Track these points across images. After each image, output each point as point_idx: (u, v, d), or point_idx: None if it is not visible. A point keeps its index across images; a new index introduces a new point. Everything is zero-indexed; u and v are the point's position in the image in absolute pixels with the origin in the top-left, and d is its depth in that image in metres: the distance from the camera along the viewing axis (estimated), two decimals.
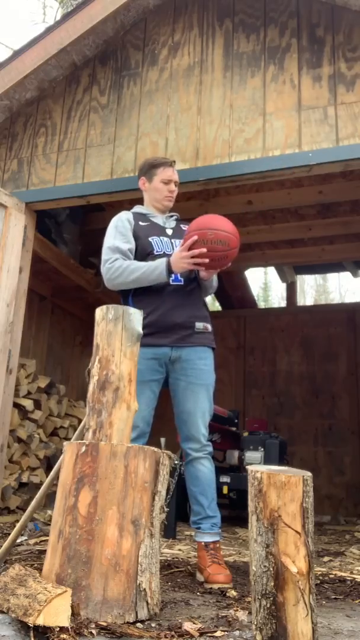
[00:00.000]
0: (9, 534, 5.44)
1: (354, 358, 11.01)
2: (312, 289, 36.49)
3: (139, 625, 2.65)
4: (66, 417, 8.26)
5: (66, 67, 6.18)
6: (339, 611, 3.21)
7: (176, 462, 6.05)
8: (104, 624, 2.56)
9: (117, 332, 3.25)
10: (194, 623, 2.69)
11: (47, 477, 7.35)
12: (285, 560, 2.31)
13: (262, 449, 7.26)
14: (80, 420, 8.43)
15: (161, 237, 4.30)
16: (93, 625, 2.53)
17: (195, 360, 4.17)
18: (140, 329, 3.35)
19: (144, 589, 2.78)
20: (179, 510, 6.37)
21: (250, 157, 5.21)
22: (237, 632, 2.60)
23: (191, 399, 4.20)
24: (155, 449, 3.05)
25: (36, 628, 2.31)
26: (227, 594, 3.44)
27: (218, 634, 2.56)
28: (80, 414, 8.46)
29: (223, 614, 2.92)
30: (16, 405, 6.83)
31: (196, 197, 7.80)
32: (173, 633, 2.52)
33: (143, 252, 4.24)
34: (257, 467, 2.50)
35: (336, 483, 10.30)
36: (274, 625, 2.29)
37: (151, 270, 4.05)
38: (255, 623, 2.36)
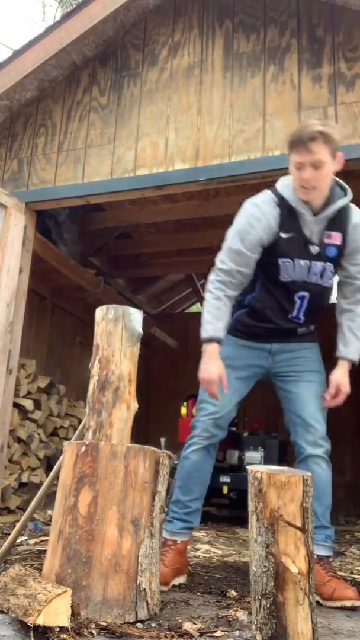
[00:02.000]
0: (9, 534, 5.45)
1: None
2: None
3: (139, 625, 2.65)
4: (66, 417, 8.26)
5: (66, 67, 6.18)
6: (339, 611, 3.22)
7: (176, 462, 6.05)
8: (104, 623, 2.56)
9: (117, 332, 3.25)
10: (194, 623, 2.69)
11: (47, 477, 7.36)
12: (285, 560, 2.31)
13: (262, 449, 7.26)
14: (80, 420, 8.43)
15: (297, 260, 3.62)
16: (93, 625, 2.53)
17: (299, 349, 3.88)
18: (140, 329, 3.34)
19: (144, 589, 2.78)
20: None
21: (250, 157, 5.21)
22: (237, 632, 2.60)
23: (304, 385, 3.82)
24: (155, 449, 3.05)
25: (36, 628, 2.31)
26: (227, 594, 3.45)
27: (218, 634, 2.56)
28: (80, 414, 8.46)
29: (223, 614, 2.92)
30: (16, 405, 6.82)
31: (196, 197, 7.79)
32: (173, 633, 2.52)
33: (265, 275, 3.74)
34: (257, 467, 2.50)
35: (336, 483, 10.27)
36: (274, 625, 2.29)
37: (203, 329, 3.60)
38: (255, 623, 2.37)
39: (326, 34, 5.22)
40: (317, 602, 3.34)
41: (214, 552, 5.17)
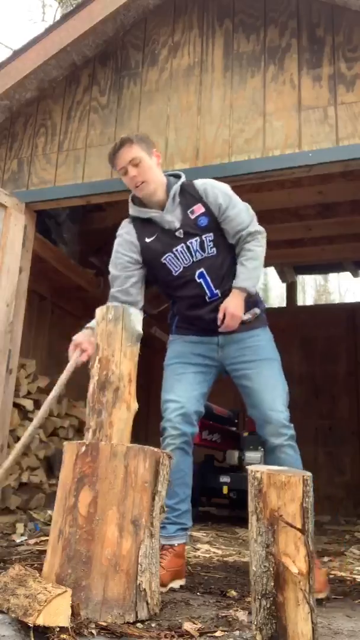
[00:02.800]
0: (9, 534, 5.45)
1: (354, 358, 11.03)
2: (312, 289, 36.50)
3: (139, 625, 2.65)
4: (66, 417, 8.25)
5: (66, 67, 6.18)
6: (339, 611, 3.22)
7: None
8: (104, 624, 2.56)
9: (117, 332, 3.24)
10: (194, 623, 2.69)
11: (46, 477, 7.37)
12: (285, 560, 2.31)
13: (262, 449, 7.25)
14: (80, 420, 8.43)
15: (174, 249, 3.89)
16: (93, 625, 2.53)
17: (247, 339, 3.94)
18: (140, 329, 3.35)
19: (144, 589, 2.78)
20: None
21: (250, 157, 5.21)
22: (237, 632, 2.60)
23: (255, 377, 3.87)
24: (156, 449, 3.05)
25: (36, 628, 2.31)
26: (227, 594, 3.45)
27: (218, 634, 2.56)
28: (80, 414, 8.46)
29: (223, 614, 2.92)
30: (16, 405, 6.82)
31: None
32: (173, 633, 2.52)
33: (163, 279, 4.02)
34: (257, 467, 2.50)
35: (336, 483, 10.31)
36: (274, 625, 2.29)
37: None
38: (255, 623, 2.37)
39: (326, 34, 5.23)
40: (318, 600, 3.37)
41: (214, 552, 5.18)
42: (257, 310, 3.98)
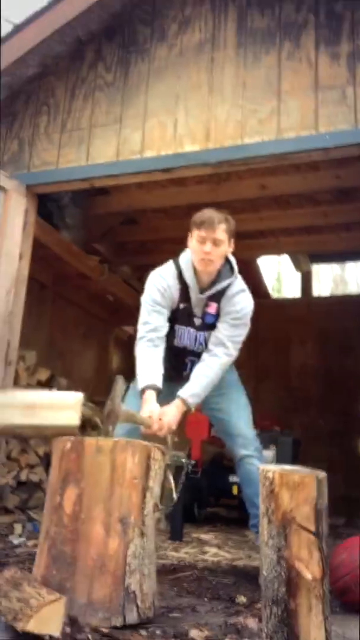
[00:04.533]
0: (7, 535, 5.46)
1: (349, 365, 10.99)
2: (328, 279, 36.39)
3: (142, 632, 2.66)
4: None
5: (70, 43, 6.15)
6: (353, 619, 3.22)
7: (183, 460, 6.05)
8: (105, 630, 2.57)
9: None
10: (201, 630, 2.69)
11: (47, 475, 7.37)
12: (298, 564, 2.31)
13: (274, 447, 7.25)
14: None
15: (188, 329, 4.35)
16: (89, 630, 2.53)
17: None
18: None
19: (133, 591, 2.78)
20: (186, 512, 6.37)
21: (264, 139, 5.18)
22: None
23: (225, 408, 4.46)
24: (146, 443, 3.06)
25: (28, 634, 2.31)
26: (236, 600, 3.45)
27: None
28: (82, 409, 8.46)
29: (232, 621, 2.92)
30: None
31: (206, 181, 7.77)
32: None
33: (170, 340, 4.33)
34: (269, 467, 2.50)
35: (352, 484, 10.29)
36: (285, 633, 2.29)
37: (139, 379, 4.14)
38: (265, 631, 2.37)
39: (345, 10, 5.18)
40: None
41: (223, 556, 5.18)
42: None
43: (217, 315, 4.28)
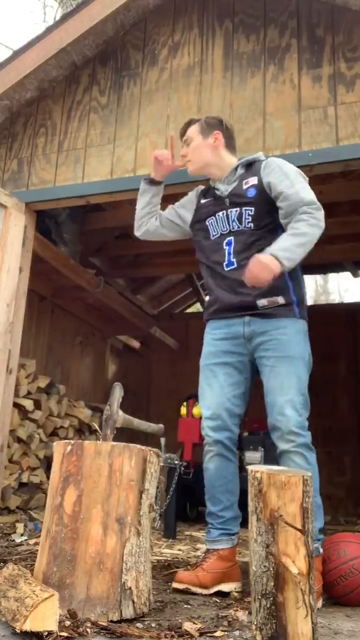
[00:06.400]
0: (9, 534, 5.46)
1: (354, 358, 11.02)
2: (311, 289, 36.56)
3: (138, 625, 2.66)
4: (66, 417, 8.26)
5: (66, 67, 6.17)
6: (338, 611, 3.22)
7: (176, 462, 6.06)
8: (104, 623, 2.56)
9: None
10: (194, 623, 2.69)
11: (47, 477, 7.36)
12: (285, 560, 2.31)
13: (262, 449, 7.26)
14: (80, 420, 8.44)
15: (217, 214, 4.02)
16: (92, 625, 2.53)
17: (271, 330, 3.75)
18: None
19: (129, 588, 2.79)
20: (179, 511, 6.37)
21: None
22: (237, 632, 2.60)
23: (270, 376, 3.74)
24: (143, 447, 3.07)
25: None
26: (227, 594, 3.45)
27: (218, 634, 2.57)
28: (80, 414, 8.47)
29: (223, 614, 2.93)
30: (16, 405, 6.83)
31: None
32: (173, 633, 2.53)
33: (201, 241, 4.13)
34: (257, 467, 2.50)
35: (336, 483, 10.30)
36: (274, 625, 2.29)
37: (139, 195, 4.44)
38: (255, 623, 2.37)
39: (326, 34, 5.22)
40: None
41: None
42: (279, 300, 3.74)
43: (258, 187, 3.88)
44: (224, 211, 3.97)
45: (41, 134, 6.24)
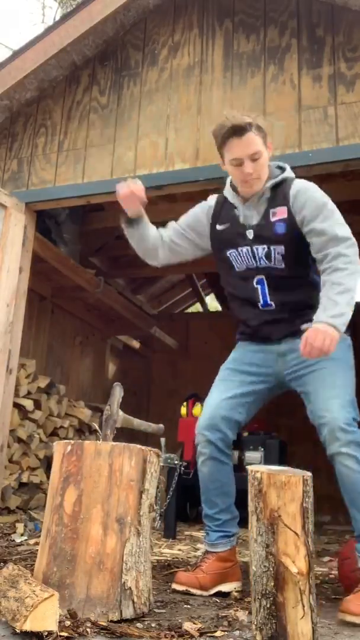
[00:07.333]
0: (9, 534, 5.46)
1: (355, 358, 11.00)
2: None
3: (138, 625, 2.65)
4: (66, 417, 8.25)
5: (66, 67, 6.17)
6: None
7: (176, 462, 6.05)
8: (104, 623, 2.56)
9: None
10: (194, 623, 2.69)
11: (47, 477, 7.36)
12: (285, 560, 2.31)
13: (262, 449, 7.26)
14: (80, 420, 8.44)
15: (240, 248, 3.61)
16: (92, 625, 2.53)
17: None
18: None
19: (129, 588, 2.79)
20: (179, 511, 6.37)
21: None
22: (237, 632, 2.60)
23: (312, 380, 3.48)
24: (143, 447, 3.06)
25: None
26: (227, 594, 3.45)
27: (218, 634, 2.57)
28: (80, 414, 8.46)
29: (223, 614, 2.92)
30: (16, 405, 6.82)
31: (196, 197, 7.76)
32: (173, 633, 2.53)
33: (224, 271, 3.78)
34: (257, 467, 2.50)
35: (336, 484, 10.28)
36: (274, 625, 2.29)
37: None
38: (255, 623, 2.37)
39: (326, 34, 5.22)
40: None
41: None
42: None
43: (288, 222, 3.51)
44: (249, 247, 3.59)
45: (41, 134, 6.24)
